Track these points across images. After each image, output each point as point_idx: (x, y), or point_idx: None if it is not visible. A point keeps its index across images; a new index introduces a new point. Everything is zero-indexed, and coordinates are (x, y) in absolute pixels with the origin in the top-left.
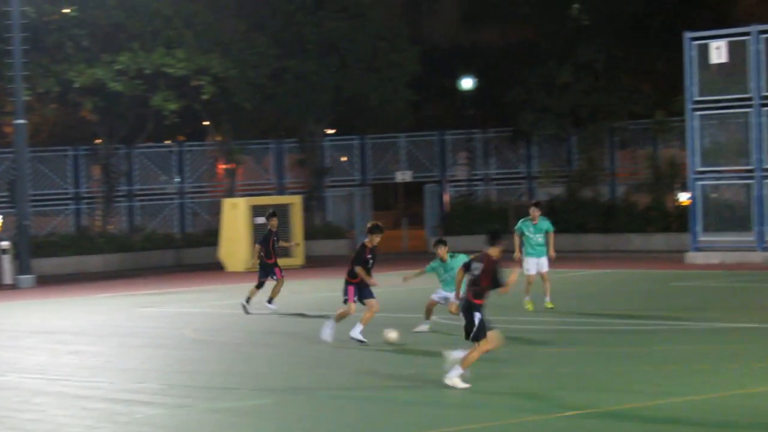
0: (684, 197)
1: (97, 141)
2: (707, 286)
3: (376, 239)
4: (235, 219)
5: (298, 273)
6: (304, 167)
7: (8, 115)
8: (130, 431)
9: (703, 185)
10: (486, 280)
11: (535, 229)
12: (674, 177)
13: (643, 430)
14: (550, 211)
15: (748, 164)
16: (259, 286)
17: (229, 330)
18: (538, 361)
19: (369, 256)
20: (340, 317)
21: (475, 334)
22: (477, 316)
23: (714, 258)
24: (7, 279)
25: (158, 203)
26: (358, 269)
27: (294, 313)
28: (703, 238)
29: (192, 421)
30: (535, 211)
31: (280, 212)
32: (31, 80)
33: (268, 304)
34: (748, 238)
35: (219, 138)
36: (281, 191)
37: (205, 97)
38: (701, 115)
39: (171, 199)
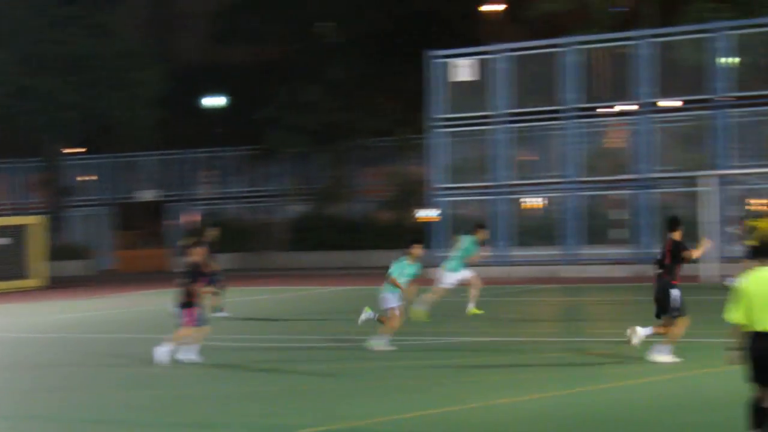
0: (425, 214)
1: None
2: (448, 300)
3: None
4: None
5: (40, 294)
6: (47, 187)
7: None
8: None
9: (446, 202)
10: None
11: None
12: (415, 194)
13: None
14: (297, 229)
15: (490, 180)
16: None
17: None
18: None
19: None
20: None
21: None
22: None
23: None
24: None
25: None
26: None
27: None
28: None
29: None
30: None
31: (17, 233)
32: None
33: None
34: (491, 252)
35: None
36: (22, 212)
37: None
38: (444, 132)
39: None
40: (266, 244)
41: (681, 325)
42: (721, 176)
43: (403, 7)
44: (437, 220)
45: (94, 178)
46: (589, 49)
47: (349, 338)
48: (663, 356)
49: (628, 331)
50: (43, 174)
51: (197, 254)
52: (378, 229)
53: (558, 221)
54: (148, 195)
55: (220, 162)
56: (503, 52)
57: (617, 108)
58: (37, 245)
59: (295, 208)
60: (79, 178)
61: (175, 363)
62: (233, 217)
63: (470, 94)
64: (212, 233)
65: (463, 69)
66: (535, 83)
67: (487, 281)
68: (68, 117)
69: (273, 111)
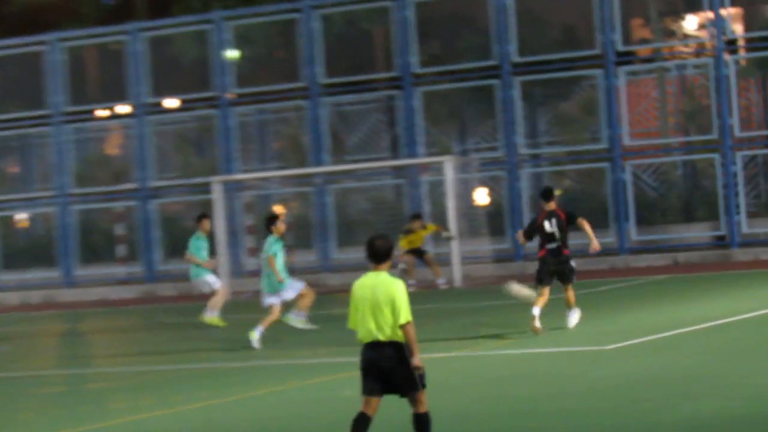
0: None
1: None
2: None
3: None
4: None
5: None
6: None
7: None
8: None
9: None
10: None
11: None
12: None
13: None
14: None
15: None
16: None
17: None
18: None
19: None
20: None
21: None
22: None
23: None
24: None
25: None
26: None
27: None
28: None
29: None
30: None
31: None
32: None
33: None
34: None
35: None
36: None
37: None
38: None
39: None
40: None
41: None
42: (229, 182)
43: None
44: None
45: None
46: (76, 46)
47: None
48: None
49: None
50: None
51: None
52: None
53: (51, 239)
54: None
55: None
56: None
57: (113, 110)
58: None
59: None
60: None
61: None
62: None
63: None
64: None
65: None
66: (17, 86)
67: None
68: None
69: None
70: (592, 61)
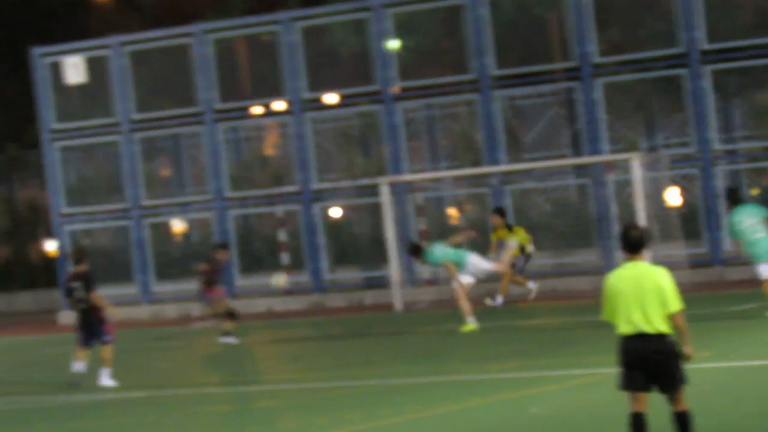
0: (52, 246)
1: None
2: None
3: None
4: None
5: None
6: None
7: None
8: None
9: (71, 230)
10: None
11: None
12: (37, 223)
13: None
14: None
15: (121, 202)
16: None
17: None
18: None
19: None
20: None
21: None
22: None
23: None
24: None
25: None
26: None
27: None
28: None
29: None
30: None
31: None
32: None
33: None
34: (131, 290)
35: None
36: None
37: None
38: (62, 147)
39: None
40: None
41: None
42: (398, 183)
43: None
44: (57, 253)
45: None
46: (224, 38)
47: None
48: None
49: None
50: None
51: None
52: None
53: (208, 247)
54: None
55: None
56: (119, 46)
57: (269, 107)
58: None
59: None
60: None
61: None
62: None
63: (86, 98)
64: None
65: (71, 69)
66: (163, 82)
67: (130, 325)
68: None
69: None
70: None
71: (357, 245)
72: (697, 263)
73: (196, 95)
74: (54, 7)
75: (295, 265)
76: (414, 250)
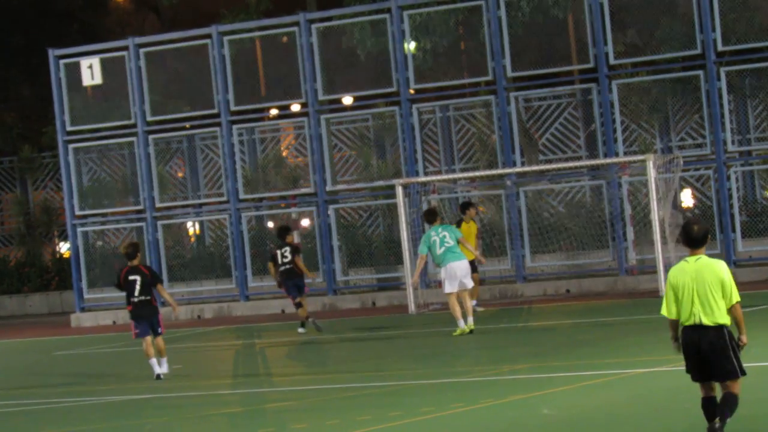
0: (66, 248)
1: None
2: (98, 352)
3: None
4: None
5: None
6: None
7: None
8: None
9: (85, 232)
10: None
11: None
12: (51, 225)
13: None
14: None
15: (137, 204)
16: None
17: None
18: None
19: None
20: None
21: None
22: None
23: (106, 318)
24: None
25: None
26: None
27: None
28: (90, 296)
29: None
30: None
31: None
32: None
33: None
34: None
35: None
36: None
37: None
38: (77, 148)
39: None
40: None
41: None
42: (414, 184)
43: None
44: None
45: None
46: (241, 40)
47: None
48: None
49: None
50: None
51: None
52: (6, 270)
53: (221, 249)
54: None
55: None
56: (135, 48)
57: (285, 109)
58: None
59: None
60: None
61: None
62: None
63: (103, 99)
64: None
65: (88, 70)
66: (180, 83)
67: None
68: None
69: None
70: None
71: (371, 247)
72: None
73: (212, 97)
74: (71, 9)
75: (309, 267)
76: (429, 215)
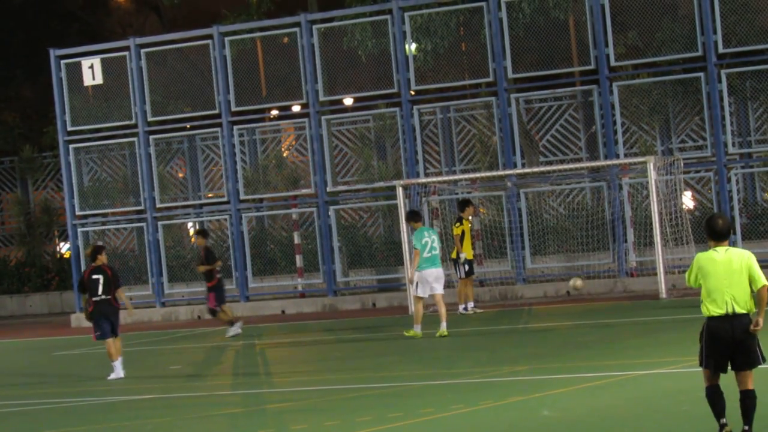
0: (67, 248)
1: None
2: (98, 352)
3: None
4: None
5: None
6: None
7: None
8: None
9: (86, 232)
10: None
11: None
12: (51, 225)
13: None
14: None
15: (137, 204)
16: None
17: None
18: None
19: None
20: None
21: None
22: None
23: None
24: None
25: None
26: None
27: None
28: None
29: None
30: None
31: None
32: None
33: None
34: (146, 292)
35: None
36: None
37: None
38: (78, 148)
39: None
40: None
41: None
42: (414, 185)
43: None
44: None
45: None
46: (241, 40)
47: None
48: None
49: None
50: None
51: None
52: (5, 270)
53: (221, 249)
54: None
55: None
56: (136, 48)
57: (286, 109)
58: None
59: None
60: None
61: None
62: None
63: (104, 100)
64: None
65: (89, 70)
66: (181, 84)
67: (146, 327)
68: None
69: None
70: None
71: (371, 248)
72: None
73: (213, 97)
74: (72, 9)
75: (309, 268)
76: (414, 215)
